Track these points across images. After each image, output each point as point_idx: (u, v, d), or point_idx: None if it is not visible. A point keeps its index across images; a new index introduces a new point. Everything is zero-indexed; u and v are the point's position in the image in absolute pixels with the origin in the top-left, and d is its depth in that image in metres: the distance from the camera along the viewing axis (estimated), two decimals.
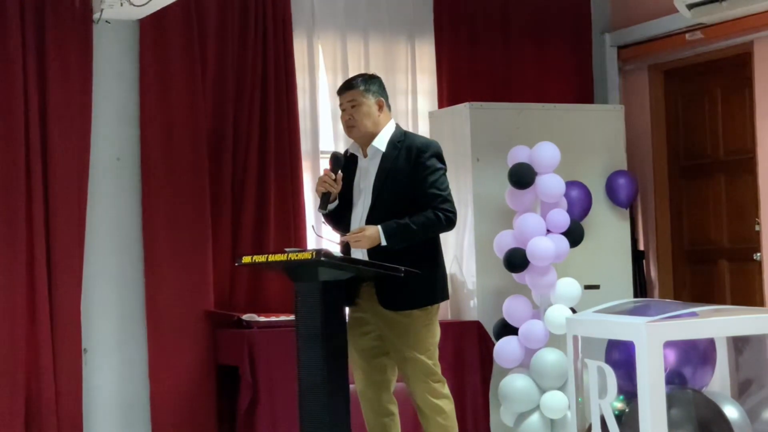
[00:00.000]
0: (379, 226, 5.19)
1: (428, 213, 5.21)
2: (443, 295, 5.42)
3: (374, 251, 5.26)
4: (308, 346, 5.10)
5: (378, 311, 5.30)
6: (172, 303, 6.65)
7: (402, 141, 5.36)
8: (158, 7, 6.30)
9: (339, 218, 5.44)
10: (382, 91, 5.45)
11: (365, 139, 5.40)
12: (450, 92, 7.46)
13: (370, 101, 5.38)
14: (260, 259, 5.32)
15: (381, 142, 5.36)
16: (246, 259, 5.38)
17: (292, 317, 5.41)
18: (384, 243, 5.18)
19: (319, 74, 7.22)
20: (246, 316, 6.52)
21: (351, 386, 5.24)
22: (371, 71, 7.18)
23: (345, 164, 5.46)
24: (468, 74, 7.53)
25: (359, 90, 5.39)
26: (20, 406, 6.26)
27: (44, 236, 6.38)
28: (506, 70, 7.65)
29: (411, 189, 5.26)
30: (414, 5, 7.47)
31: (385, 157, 5.34)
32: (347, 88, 5.44)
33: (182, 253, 6.67)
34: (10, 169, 6.34)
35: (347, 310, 5.44)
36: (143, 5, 6.09)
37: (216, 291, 6.76)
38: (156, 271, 6.65)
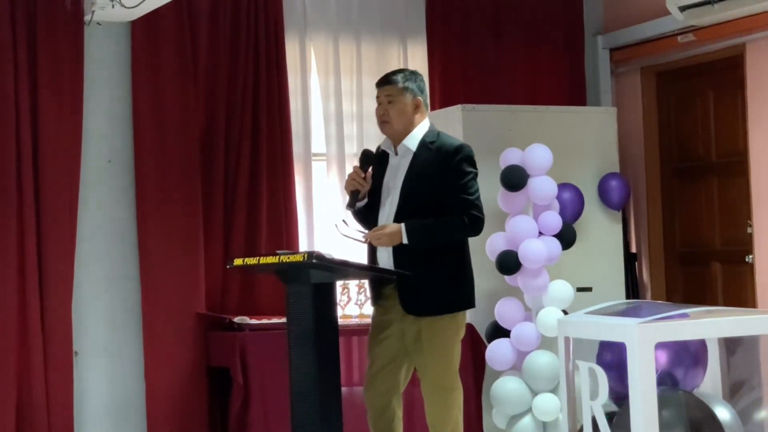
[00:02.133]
0: (402, 225, 5.12)
1: (455, 216, 5.14)
2: (468, 303, 5.31)
3: (399, 254, 5.19)
4: (300, 348, 5.08)
5: (403, 315, 5.22)
6: (164, 305, 6.64)
7: (434, 142, 5.27)
8: (150, 9, 6.29)
9: (368, 216, 5.35)
10: (421, 90, 5.33)
11: (397, 136, 5.30)
12: (442, 94, 7.46)
13: (407, 99, 5.28)
14: (252, 261, 5.31)
15: (413, 142, 5.27)
16: (238, 262, 5.37)
17: (283, 319, 5.41)
18: (405, 241, 5.11)
19: (311, 76, 7.21)
20: (238, 319, 6.52)
21: (344, 389, 5.23)
22: (363, 73, 7.22)
23: (378, 161, 5.37)
24: (460, 76, 7.54)
25: (398, 87, 5.28)
26: (11, 409, 6.25)
27: (35, 238, 6.37)
28: (498, 72, 7.66)
29: (439, 191, 5.18)
30: (406, 7, 7.47)
31: (416, 157, 5.25)
32: (386, 82, 5.33)
33: (174, 255, 6.67)
34: (0, 171, 6.32)
35: (372, 311, 5.41)
36: (134, 7, 6.09)
37: (208, 293, 6.76)
38: (148, 274, 6.65)
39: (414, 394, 5.88)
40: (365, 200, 5.31)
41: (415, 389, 5.54)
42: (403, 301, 5.21)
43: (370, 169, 5.33)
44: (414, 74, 5.38)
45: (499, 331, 6.60)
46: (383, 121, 5.31)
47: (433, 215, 5.17)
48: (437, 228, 5.13)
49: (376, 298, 5.33)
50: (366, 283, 6.52)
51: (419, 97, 5.31)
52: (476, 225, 5.21)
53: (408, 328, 5.23)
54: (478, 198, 5.24)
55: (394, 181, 5.29)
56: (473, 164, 5.28)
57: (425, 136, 5.30)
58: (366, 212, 5.34)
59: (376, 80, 5.45)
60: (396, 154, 5.33)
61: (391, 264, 5.21)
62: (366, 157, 5.35)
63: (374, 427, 5.34)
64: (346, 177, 5.36)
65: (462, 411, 5.30)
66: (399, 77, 5.32)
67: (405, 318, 5.22)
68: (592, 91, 7.98)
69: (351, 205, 5.31)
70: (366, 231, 5.31)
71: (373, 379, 5.32)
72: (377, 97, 5.35)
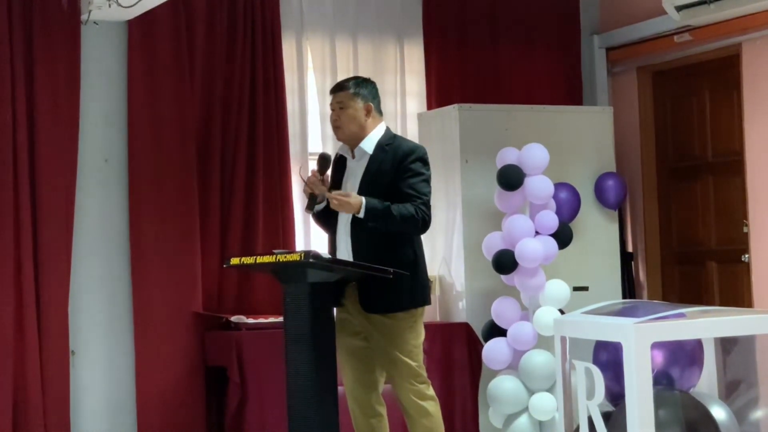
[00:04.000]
0: (363, 199, 5.20)
1: (409, 206, 5.24)
2: (424, 300, 5.42)
3: (359, 252, 5.28)
4: (296, 347, 5.09)
5: (362, 313, 5.32)
6: (161, 305, 6.64)
7: (390, 144, 5.39)
8: (146, 9, 6.29)
9: (327, 218, 5.45)
10: (372, 96, 5.46)
11: (351, 141, 5.43)
12: (439, 94, 7.46)
13: (358, 105, 5.41)
14: (248, 260, 5.32)
15: (369, 145, 5.39)
16: (234, 261, 5.38)
17: (280, 319, 5.41)
18: (361, 215, 5.20)
19: (307, 75, 7.21)
20: (234, 318, 6.52)
21: (339, 387, 5.24)
22: (360, 73, 7.21)
23: (336, 165, 5.49)
24: (457, 76, 7.54)
25: (348, 93, 5.43)
26: (8, 408, 6.24)
27: (31, 238, 6.37)
28: (495, 71, 7.65)
29: (394, 192, 5.28)
30: (403, 7, 7.47)
31: (372, 159, 5.37)
32: (338, 89, 5.50)
33: (170, 254, 6.66)
34: None
35: (335, 311, 5.45)
36: (131, 6, 6.08)
37: (204, 293, 6.76)
38: (144, 273, 6.65)
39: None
40: (324, 203, 5.39)
41: None
42: (362, 300, 5.29)
43: (328, 172, 5.43)
44: (366, 81, 5.52)
45: (495, 331, 6.61)
46: (335, 127, 5.47)
47: None
48: (393, 213, 5.20)
49: (338, 298, 5.39)
50: None
51: (370, 103, 5.43)
52: (424, 222, 5.30)
53: (369, 325, 5.32)
54: (428, 200, 5.33)
55: (351, 183, 5.41)
56: (427, 166, 5.39)
57: (381, 139, 5.42)
58: (325, 215, 5.44)
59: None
60: (353, 157, 5.43)
61: None
62: (323, 161, 5.44)
63: (356, 424, 5.40)
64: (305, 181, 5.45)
65: (438, 404, 5.37)
66: (350, 83, 5.48)
67: (363, 316, 5.32)
68: (588, 90, 7.98)
69: (309, 208, 5.40)
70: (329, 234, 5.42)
71: (346, 373, 5.42)
72: (330, 103, 5.50)
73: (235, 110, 6.88)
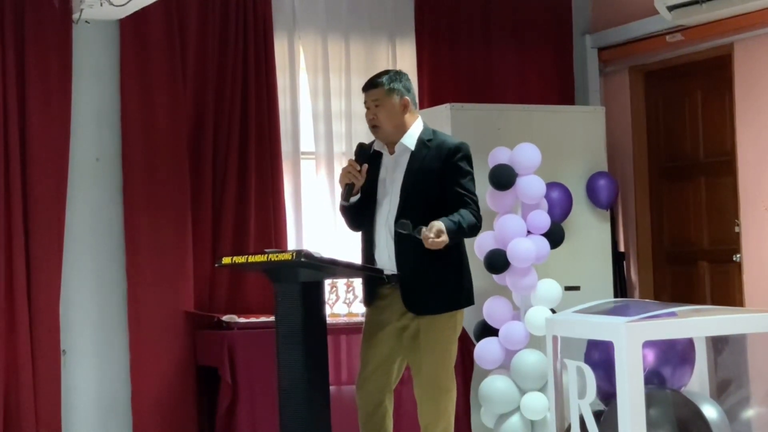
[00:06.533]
0: (444, 227, 5.00)
1: (469, 215, 5.11)
2: (468, 300, 5.31)
3: (401, 254, 5.14)
4: (288, 347, 5.08)
5: (401, 314, 5.19)
6: (152, 304, 6.64)
7: (432, 140, 5.24)
8: (138, 7, 6.29)
9: (357, 213, 5.29)
10: (407, 89, 5.27)
11: (390, 138, 5.25)
12: (431, 93, 7.46)
13: (395, 101, 5.22)
14: (240, 260, 5.31)
15: (410, 141, 5.22)
16: (226, 260, 5.36)
17: (272, 318, 5.40)
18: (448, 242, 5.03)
19: (299, 75, 7.21)
20: (226, 317, 6.52)
21: (332, 387, 5.23)
22: (352, 72, 7.22)
23: (371, 160, 5.29)
24: (449, 75, 7.54)
25: (384, 89, 5.22)
26: None
27: (23, 237, 6.36)
28: (487, 71, 7.66)
29: (440, 189, 5.15)
30: (395, 6, 7.47)
31: (414, 155, 5.20)
32: (372, 86, 5.26)
33: (162, 253, 6.66)
34: None
35: (365, 311, 5.37)
36: (123, 5, 6.07)
37: (196, 292, 6.75)
38: (136, 272, 6.64)
39: (403, 393, 5.89)
40: (358, 195, 5.25)
41: (404, 388, 5.54)
42: (405, 299, 5.17)
43: (365, 164, 5.24)
44: (399, 74, 5.33)
45: (487, 330, 6.61)
46: (373, 126, 5.25)
47: (434, 213, 5.10)
48: (464, 227, 5.08)
49: (370, 298, 5.29)
50: (353, 281, 6.53)
51: (407, 97, 5.26)
52: (481, 225, 5.22)
53: (406, 326, 5.20)
54: (477, 198, 5.23)
55: (391, 179, 5.24)
56: (471, 164, 5.26)
57: (422, 134, 5.27)
58: (357, 209, 5.28)
59: (364, 79, 5.41)
60: (391, 153, 5.28)
61: (393, 264, 5.17)
62: (362, 150, 5.28)
63: (365, 425, 5.31)
64: (340, 171, 5.28)
65: (454, 411, 5.30)
66: (384, 79, 5.26)
67: (403, 316, 5.19)
68: (580, 90, 7.99)
69: (345, 199, 5.23)
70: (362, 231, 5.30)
71: (366, 380, 5.28)
72: (365, 102, 5.29)
73: (227, 109, 6.88)
